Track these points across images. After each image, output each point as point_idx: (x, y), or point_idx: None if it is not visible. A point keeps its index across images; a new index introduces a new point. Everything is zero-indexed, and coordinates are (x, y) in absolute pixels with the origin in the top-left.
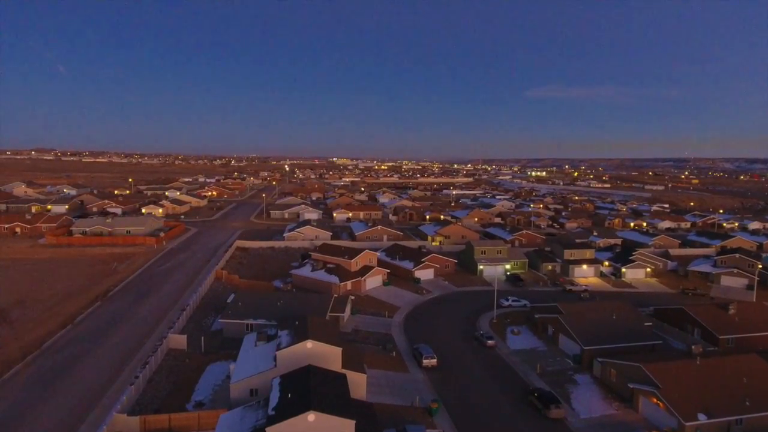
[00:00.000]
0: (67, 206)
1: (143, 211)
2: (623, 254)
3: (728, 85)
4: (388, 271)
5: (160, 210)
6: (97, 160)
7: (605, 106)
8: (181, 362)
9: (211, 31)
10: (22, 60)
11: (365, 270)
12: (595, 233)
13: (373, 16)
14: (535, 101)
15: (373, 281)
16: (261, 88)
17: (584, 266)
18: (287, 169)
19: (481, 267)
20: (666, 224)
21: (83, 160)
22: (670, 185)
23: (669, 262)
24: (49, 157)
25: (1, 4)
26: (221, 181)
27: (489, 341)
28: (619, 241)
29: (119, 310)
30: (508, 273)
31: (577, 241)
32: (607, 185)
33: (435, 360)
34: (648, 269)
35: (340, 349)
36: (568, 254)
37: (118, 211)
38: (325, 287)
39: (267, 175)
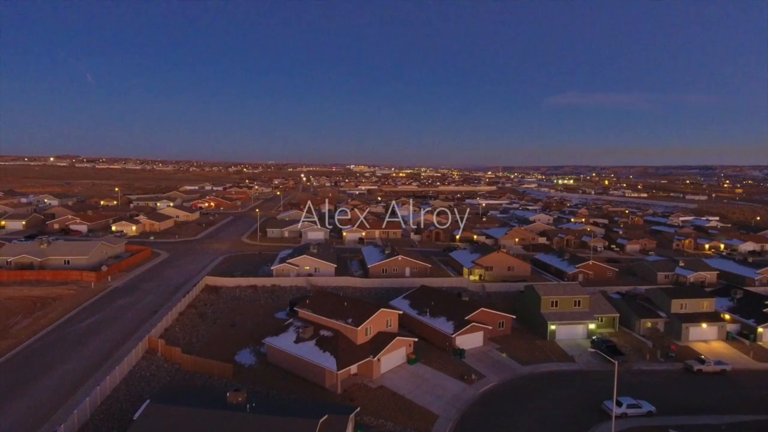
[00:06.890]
0: (24, 222)
1: (113, 228)
2: (749, 302)
3: (753, 91)
4: (415, 339)
5: (134, 227)
6: (112, 166)
7: (625, 112)
8: None
9: (232, 39)
10: (45, 67)
11: (380, 341)
12: (681, 263)
13: (391, 23)
14: (555, 108)
15: (392, 359)
16: (282, 96)
17: (703, 324)
18: (303, 177)
19: (553, 327)
20: (748, 246)
21: (97, 166)
22: (713, 195)
23: None
24: (63, 164)
25: (32, 17)
26: (227, 189)
27: None
28: (714, 275)
29: None
30: (595, 338)
31: (661, 273)
32: (644, 194)
33: None
34: None
35: None
36: (678, 305)
37: (83, 228)
38: (316, 374)
39: (279, 182)
